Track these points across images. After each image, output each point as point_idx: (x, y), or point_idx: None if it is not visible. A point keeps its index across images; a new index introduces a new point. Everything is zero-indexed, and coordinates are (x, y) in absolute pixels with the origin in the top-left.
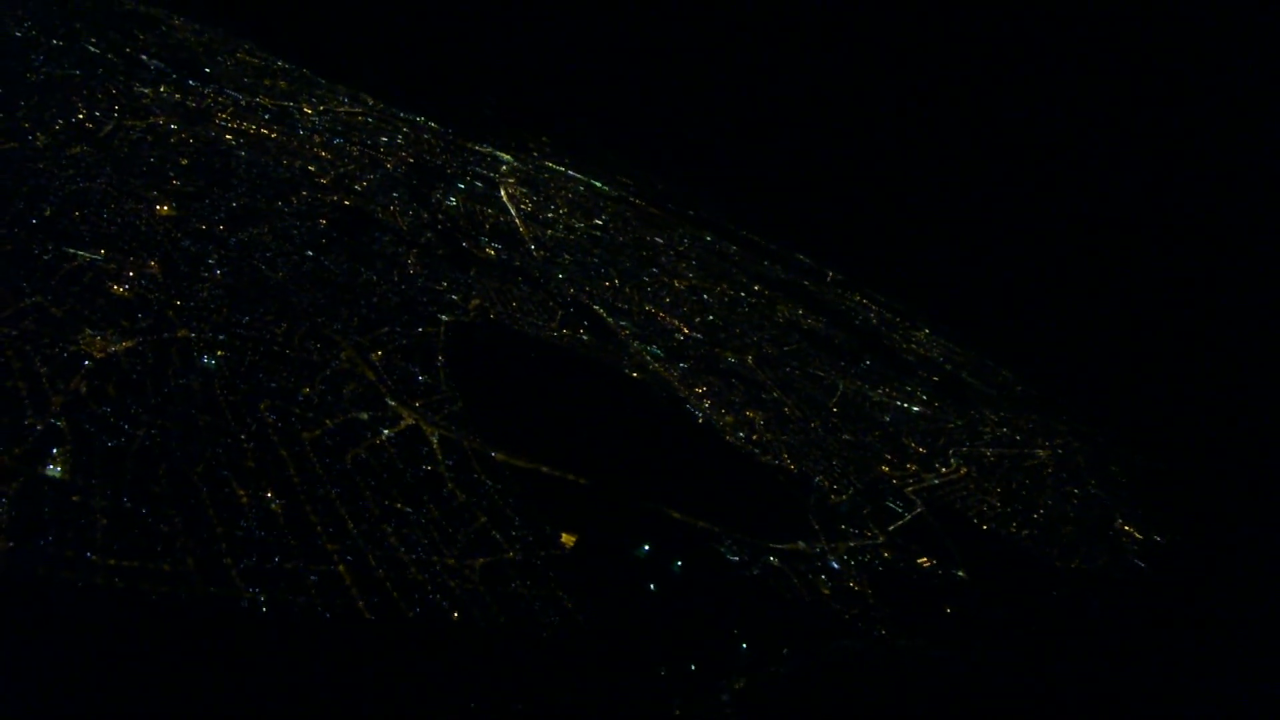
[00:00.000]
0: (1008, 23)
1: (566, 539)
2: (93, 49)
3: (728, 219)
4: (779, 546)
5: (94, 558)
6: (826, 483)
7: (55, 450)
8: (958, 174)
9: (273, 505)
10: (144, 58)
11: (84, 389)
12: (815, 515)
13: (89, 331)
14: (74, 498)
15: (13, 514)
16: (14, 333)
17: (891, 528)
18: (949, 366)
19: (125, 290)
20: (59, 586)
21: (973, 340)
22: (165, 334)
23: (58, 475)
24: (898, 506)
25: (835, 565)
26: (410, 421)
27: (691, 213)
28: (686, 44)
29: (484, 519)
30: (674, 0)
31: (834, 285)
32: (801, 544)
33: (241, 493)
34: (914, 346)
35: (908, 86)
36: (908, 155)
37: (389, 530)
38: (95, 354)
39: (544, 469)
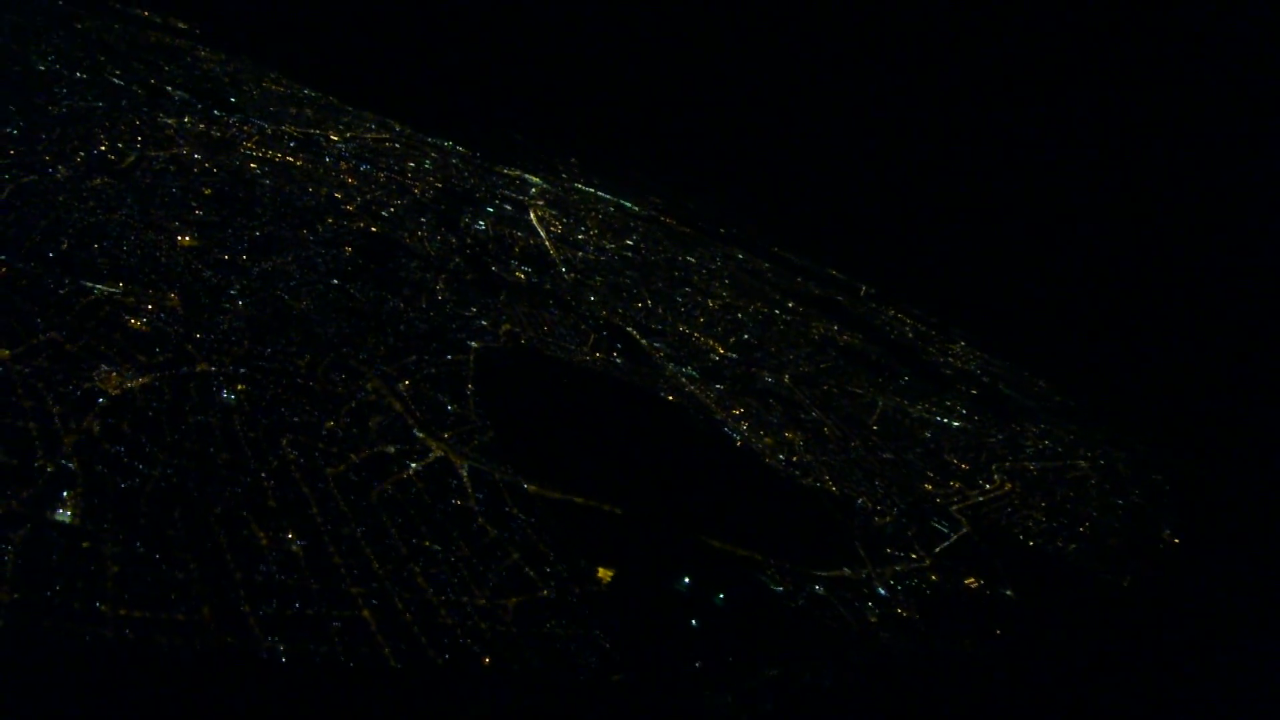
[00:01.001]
0: (1046, 35)
1: (603, 574)
2: (117, 81)
3: (759, 236)
4: (823, 574)
5: (103, 608)
6: (869, 504)
7: (65, 494)
8: (988, 186)
9: (294, 547)
10: (169, 89)
11: (97, 428)
12: (859, 539)
13: (104, 368)
14: (84, 544)
15: (18, 563)
16: (26, 370)
17: (938, 549)
18: (986, 379)
19: (142, 324)
20: (66, 640)
21: (1008, 351)
22: (184, 368)
23: (67, 520)
24: (942, 526)
25: (882, 591)
26: (439, 453)
27: (722, 230)
28: (715, 63)
29: (516, 555)
30: (700, 21)
31: (868, 300)
32: (847, 570)
33: (261, 534)
34: (951, 359)
35: (935, 99)
36: (937, 169)
37: (417, 570)
38: (110, 391)
39: (579, 500)
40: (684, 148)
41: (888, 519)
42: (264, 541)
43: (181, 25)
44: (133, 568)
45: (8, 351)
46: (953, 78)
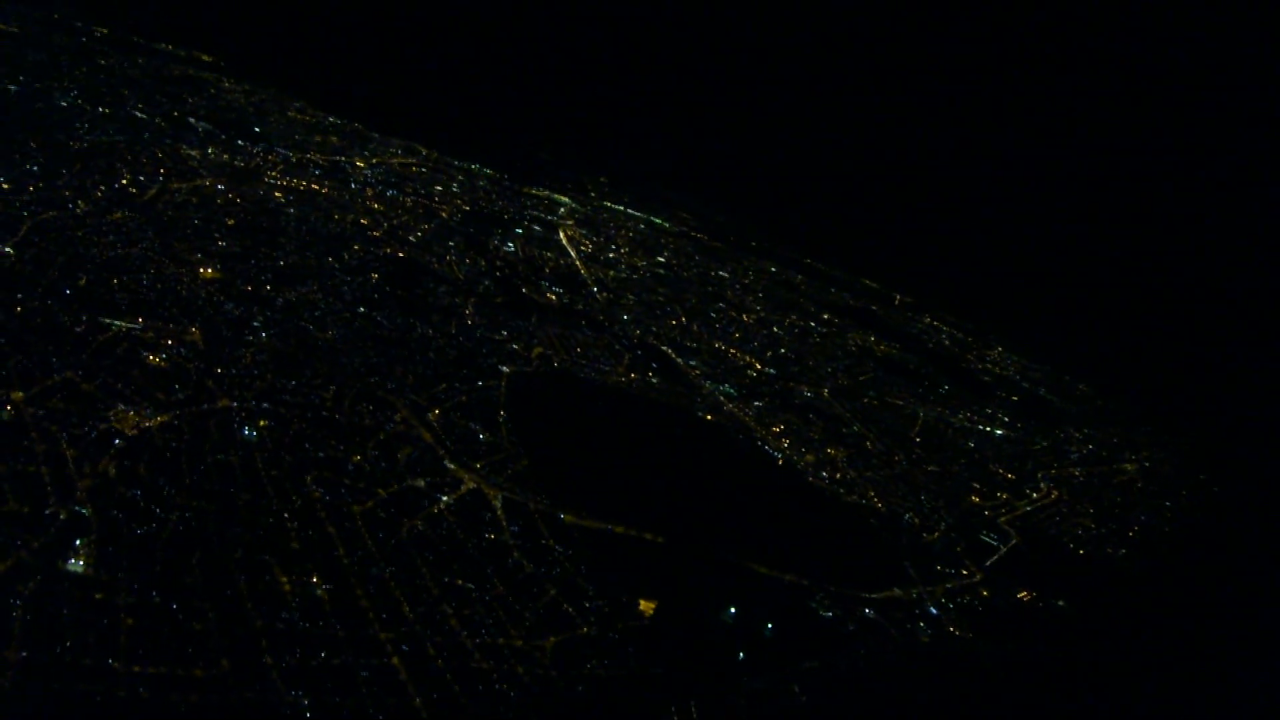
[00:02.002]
0: (1074, 40)
1: (646, 607)
2: (139, 114)
3: (790, 248)
4: (873, 596)
5: (116, 664)
6: (917, 520)
7: (78, 542)
8: (1020, 191)
9: (319, 591)
10: (191, 120)
11: (113, 471)
12: (908, 557)
13: (121, 407)
14: (97, 595)
15: (26, 618)
16: (40, 412)
17: (988, 563)
18: (1026, 384)
19: (162, 360)
20: (77, 701)
21: (1046, 354)
22: (204, 405)
23: (79, 570)
24: (992, 539)
25: (934, 611)
26: (471, 485)
27: (754, 243)
28: (741, 79)
29: (553, 591)
30: (726, 37)
31: (903, 308)
32: (897, 590)
33: (284, 579)
34: (989, 366)
35: (963, 106)
36: (967, 176)
37: (449, 612)
38: (127, 431)
39: (617, 529)
40: (713, 163)
41: (936, 535)
42: (287, 587)
43: (206, 58)
44: (148, 620)
45: (21, 393)
46: (979, 82)
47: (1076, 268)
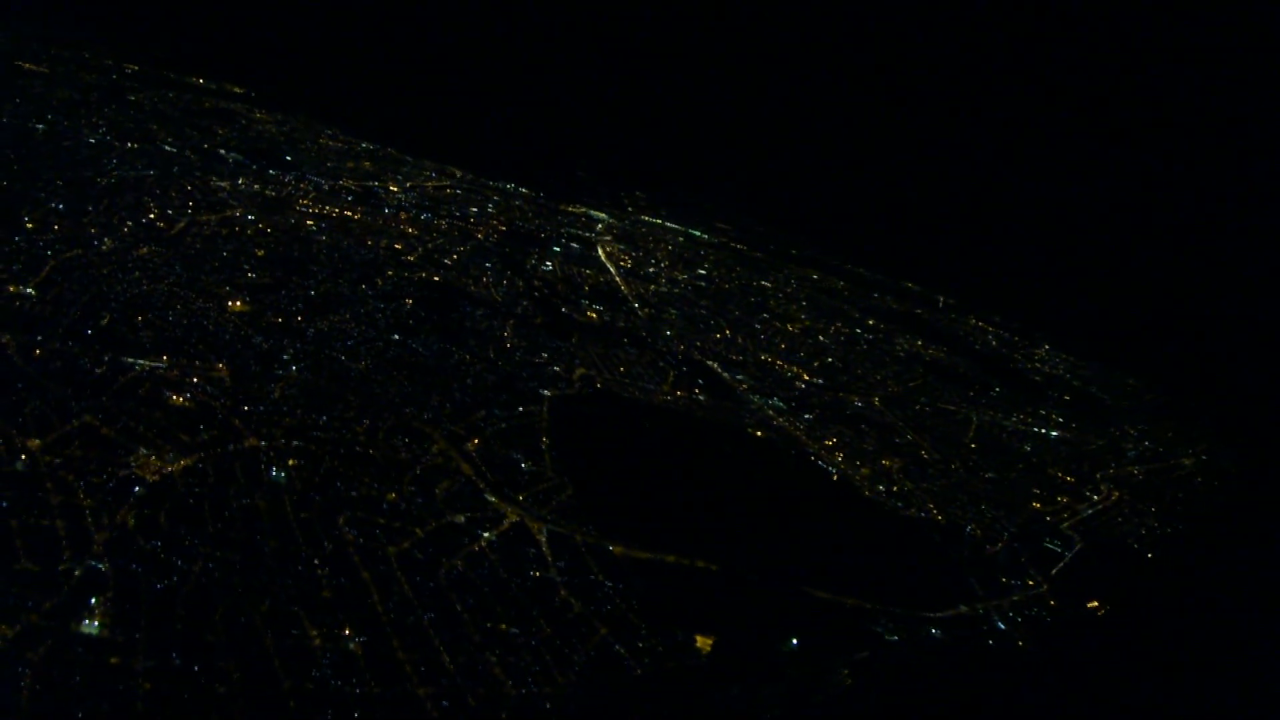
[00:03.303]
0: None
1: (702, 643)
2: (169, 148)
3: (831, 254)
4: (939, 615)
5: None
6: (979, 531)
7: (94, 600)
8: (1056, 188)
9: (351, 645)
10: (222, 151)
11: (132, 521)
12: (972, 570)
13: (142, 451)
14: (112, 659)
15: (36, 687)
16: (57, 461)
17: (1054, 571)
18: (1076, 382)
19: (186, 400)
20: None
21: (1092, 350)
22: (230, 445)
23: (94, 632)
24: (1056, 546)
25: (1001, 625)
26: (514, 518)
27: (794, 252)
28: (773, 86)
29: (604, 630)
30: (755, 46)
31: (947, 311)
32: (963, 607)
33: (314, 633)
34: (1038, 365)
35: (987, 106)
36: (1002, 177)
37: (493, 660)
38: (148, 477)
39: (669, 559)
40: (748, 172)
41: (999, 545)
42: (317, 641)
43: (237, 90)
44: (167, 685)
45: (38, 440)
46: (1011, 81)
47: (1116, 261)
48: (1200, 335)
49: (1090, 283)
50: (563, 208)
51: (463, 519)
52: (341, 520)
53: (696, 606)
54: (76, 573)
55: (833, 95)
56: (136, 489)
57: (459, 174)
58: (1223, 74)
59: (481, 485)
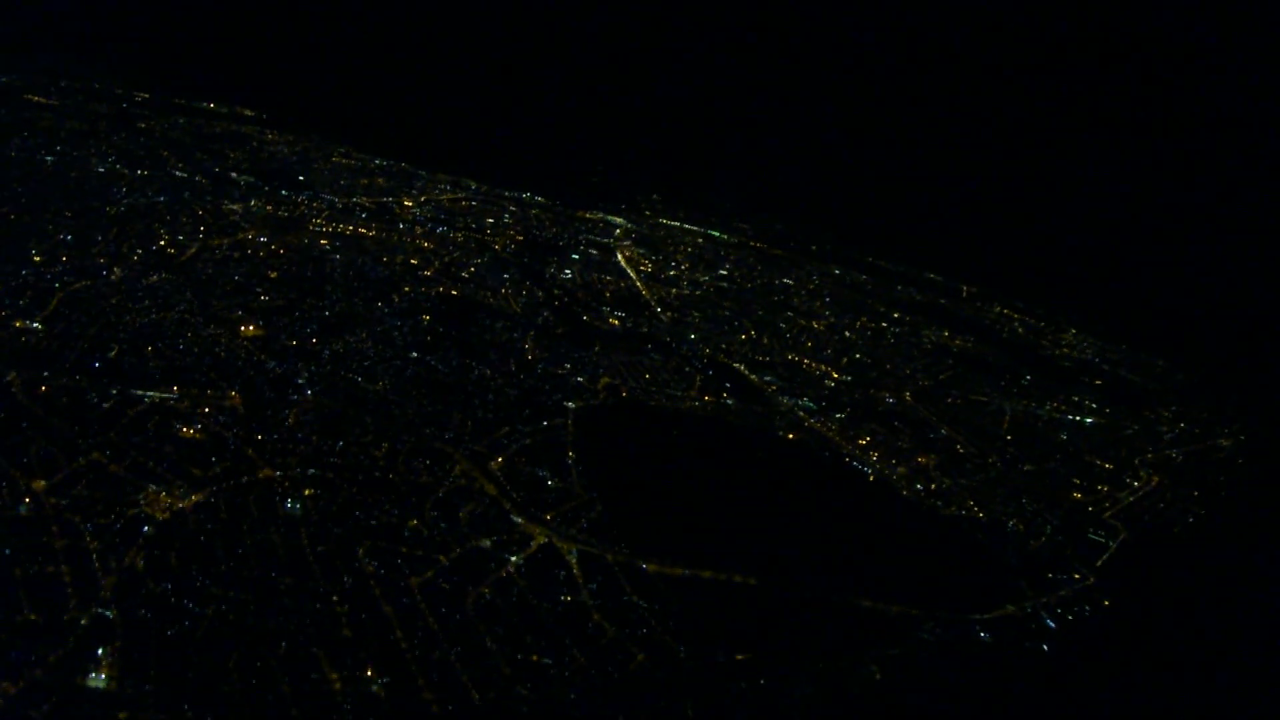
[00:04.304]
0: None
1: None
2: (179, 174)
3: (851, 248)
4: (985, 616)
5: None
6: (1021, 526)
7: (100, 651)
8: (1070, 172)
9: (374, 686)
10: (233, 175)
11: (141, 564)
12: (1017, 568)
13: (152, 488)
14: (120, 715)
15: None
16: (63, 503)
17: (1099, 563)
18: (1106, 366)
19: (197, 432)
20: None
21: (1118, 333)
22: (244, 478)
23: (101, 685)
24: (1099, 536)
25: (1051, 624)
26: (542, 540)
27: (814, 247)
28: (783, 81)
29: (641, 657)
30: (763, 40)
31: (971, 300)
32: (1010, 607)
33: (334, 676)
34: (1066, 350)
35: (995, 90)
36: (1016, 161)
37: (524, 693)
38: (158, 515)
39: (705, 574)
40: (763, 169)
41: (1042, 539)
42: (337, 685)
43: (248, 113)
44: None
45: (43, 482)
46: (1017, 65)
47: (1136, 243)
48: (1226, 313)
49: (1111, 265)
50: (580, 214)
51: (489, 543)
52: (361, 551)
53: (736, 622)
54: (83, 622)
55: (843, 86)
56: (145, 528)
57: (474, 185)
58: (1237, 53)
59: (507, 506)
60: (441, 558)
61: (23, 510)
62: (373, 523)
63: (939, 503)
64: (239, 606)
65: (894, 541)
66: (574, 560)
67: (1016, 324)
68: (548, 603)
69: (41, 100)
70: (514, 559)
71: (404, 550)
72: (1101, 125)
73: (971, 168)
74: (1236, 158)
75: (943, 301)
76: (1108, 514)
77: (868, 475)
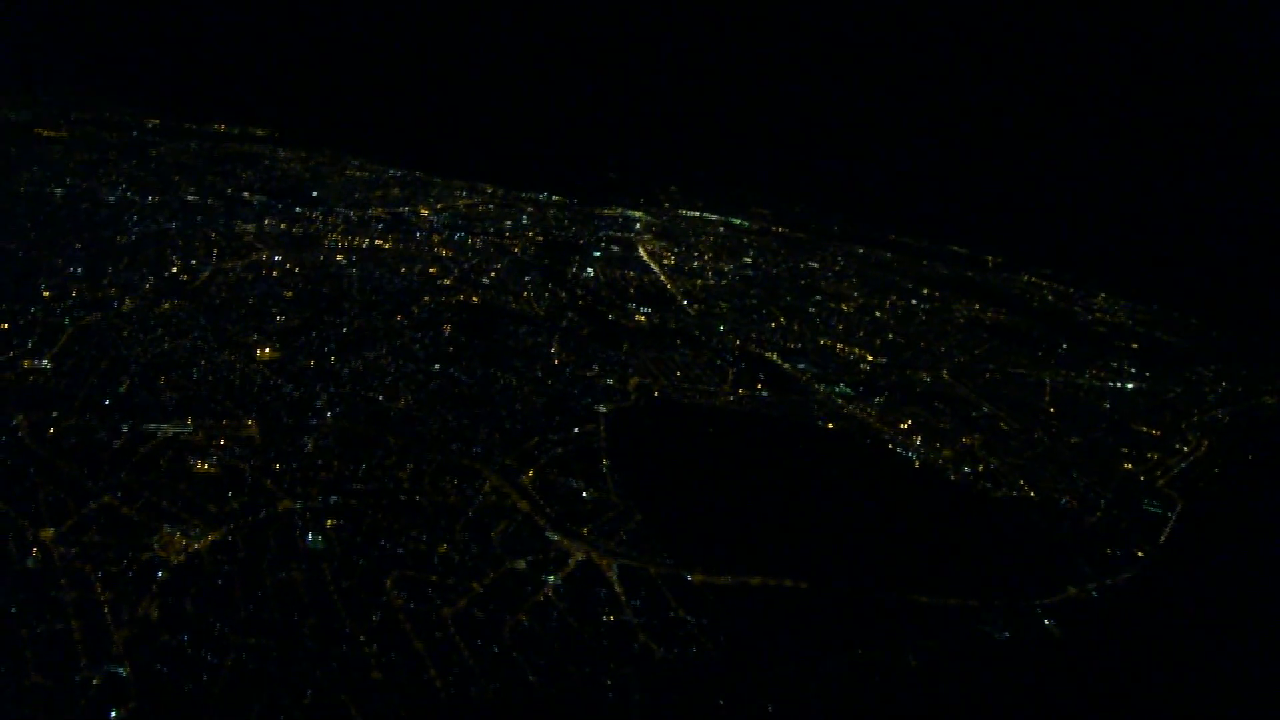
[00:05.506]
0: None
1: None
2: (191, 198)
3: (872, 226)
4: (1048, 602)
5: None
6: (1074, 503)
7: (114, 714)
8: (1088, 137)
9: None
10: (246, 195)
11: (155, 613)
12: (1075, 547)
13: (166, 529)
14: None
15: None
16: (73, 551)
17: (1161, 538)
18: (1140, 328)
19: (212, 466)
20: None
21: (1148, 291)
22: (262, 512)
23: None
24: (1156, 508)
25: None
26: (580, 556)
27: (836, 228)
28: (793, 65)
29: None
30: (773, 27)
31: (998, 270)
32: (1072, 589)
33: None
34: (1099, 315)
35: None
36: (1032, 125)
37: None
38: (173, 559)
39: (753, 581)
40: (779, 153)
41: (1098, 515)
42: None
43: (260, 132)
44: None
45: (51, 530)
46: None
47: (1157, 198)
48: (1255, 266)
49: (1135, 223)
50: (598, 211)
51: (524, 564)
52: (389, 583)
53: (788, 630)
54: (95, 682)
55: (854, 64)
56: (160, 574)
57: (490, 189)
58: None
59: (541, 522)
60: (474, 584)
61: (30, 563)
62: (400, 551)
63: (989, 485)
64: (260, 654)
65: (945, 529)
66: (614, 575)
67: (1046, 291)
68: (589, 624)
69: (52, 134)
70: (551, 579)
71: (434, 579)
72: (1113, 82)
73: (984, 137)
74: (1259, 118)
75: (970, 274)
76: (1161, 482)
77: (913, 461)
